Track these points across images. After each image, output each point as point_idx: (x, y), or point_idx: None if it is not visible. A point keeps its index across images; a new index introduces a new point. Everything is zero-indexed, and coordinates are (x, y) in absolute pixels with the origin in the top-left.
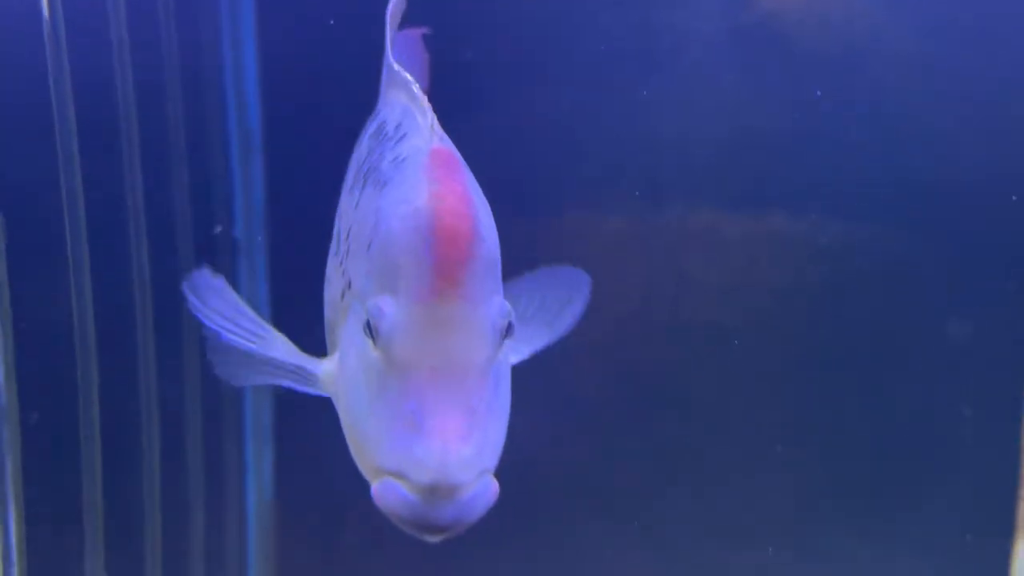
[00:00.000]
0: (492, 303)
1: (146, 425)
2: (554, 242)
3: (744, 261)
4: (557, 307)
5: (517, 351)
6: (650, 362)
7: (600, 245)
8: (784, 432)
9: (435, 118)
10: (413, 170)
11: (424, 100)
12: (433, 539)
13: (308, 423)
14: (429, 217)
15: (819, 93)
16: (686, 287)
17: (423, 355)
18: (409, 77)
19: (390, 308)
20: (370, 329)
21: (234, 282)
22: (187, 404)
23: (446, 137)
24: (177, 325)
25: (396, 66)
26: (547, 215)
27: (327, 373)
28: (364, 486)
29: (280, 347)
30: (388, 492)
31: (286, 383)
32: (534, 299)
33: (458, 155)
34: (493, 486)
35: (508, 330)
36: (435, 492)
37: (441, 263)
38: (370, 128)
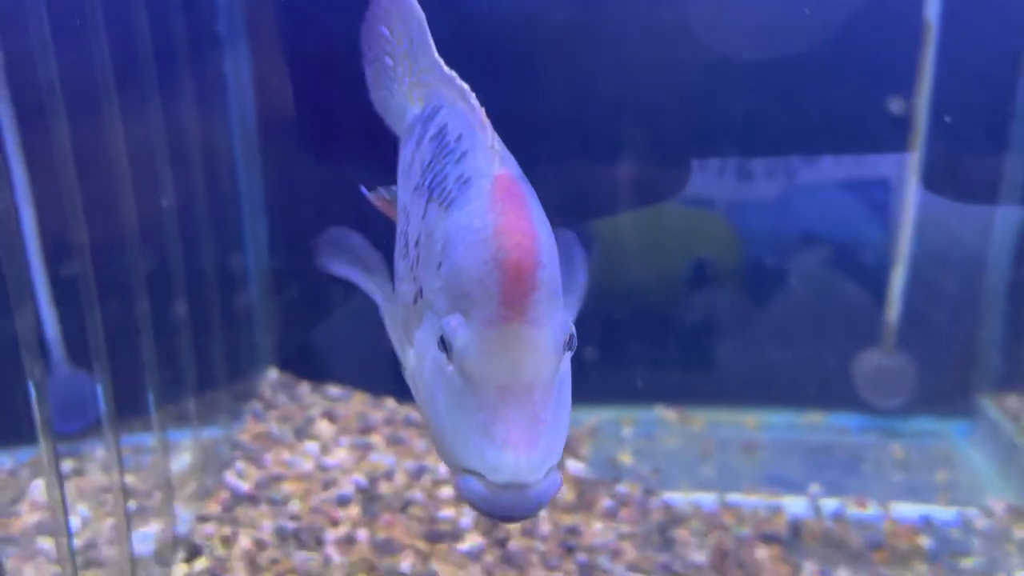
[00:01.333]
0: (555, 322)
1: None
2: None
3: None
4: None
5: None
6: None
7: None
8: None
9: (494, 133)
10: (478, 197)
11: (482, 113)
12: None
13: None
14: (496, 251)
15: None
16: None
17: (493, 374)
18: (466, 86)
19: (463, 330)
20: (445, 345)
21: None
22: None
23: (507, 156)
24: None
25: (450, 71)
26: None
27: (408, 364)
28: None
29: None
30: (469, 486)
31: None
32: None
33: (519, 177)
34: (557, 479)
35: (570, 342)
36: (508, 488)
37: (508, 295)
38: (430, 128)
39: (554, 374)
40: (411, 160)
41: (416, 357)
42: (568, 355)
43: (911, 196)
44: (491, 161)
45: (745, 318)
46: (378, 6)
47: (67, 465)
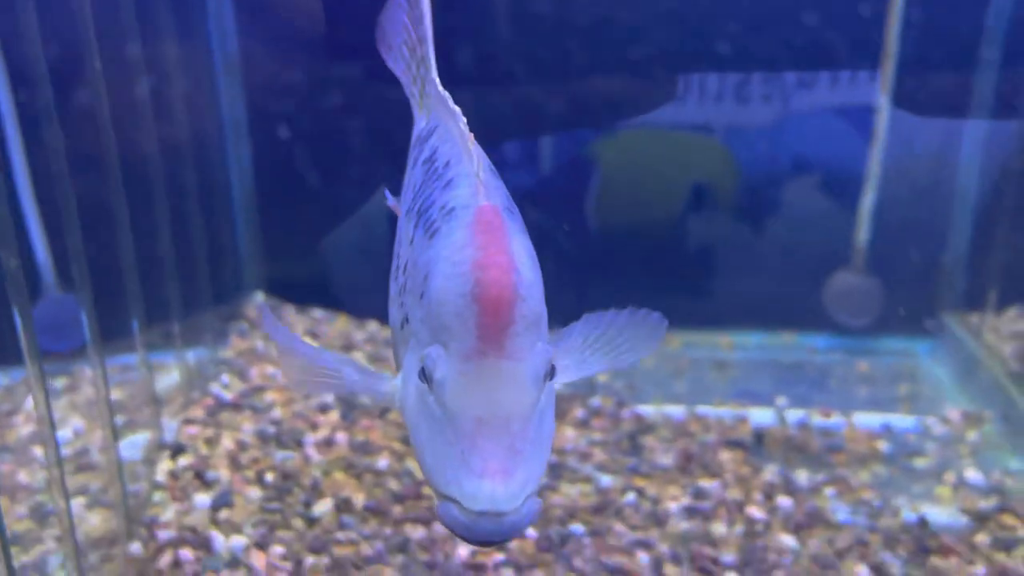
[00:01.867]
0: (534, 355)
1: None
2: None
3: None
4: (627, 347)
5: (567, 373)
6: None
7: None
8: None
9: (481, 160)
10: (460, 228)
11: (471, 140)
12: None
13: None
14: (473, 286)
15: None
16: None
17: (471, 406)
18: (457, 109)
19: (442, 362)
20: (425, 375)
21: None
22: None
23: (494, 184)
24: None
25: (444, 92)
26: None
27: (394, 388)
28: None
29: (350, 369)
30: (448, 512)
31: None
32: (608, 335)
33: (503, 207)
34: (534, 507)
35: (551, 372)
36: (484, 516)
37: (485, 329)
38: (424, 151)
39: (533, 405)
40: (407, 180)
41: (402, 381)
42: (550, 385)
43: (881, 120)
44: (475, 191)
45: (733, 243)
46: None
47: (60, 382)
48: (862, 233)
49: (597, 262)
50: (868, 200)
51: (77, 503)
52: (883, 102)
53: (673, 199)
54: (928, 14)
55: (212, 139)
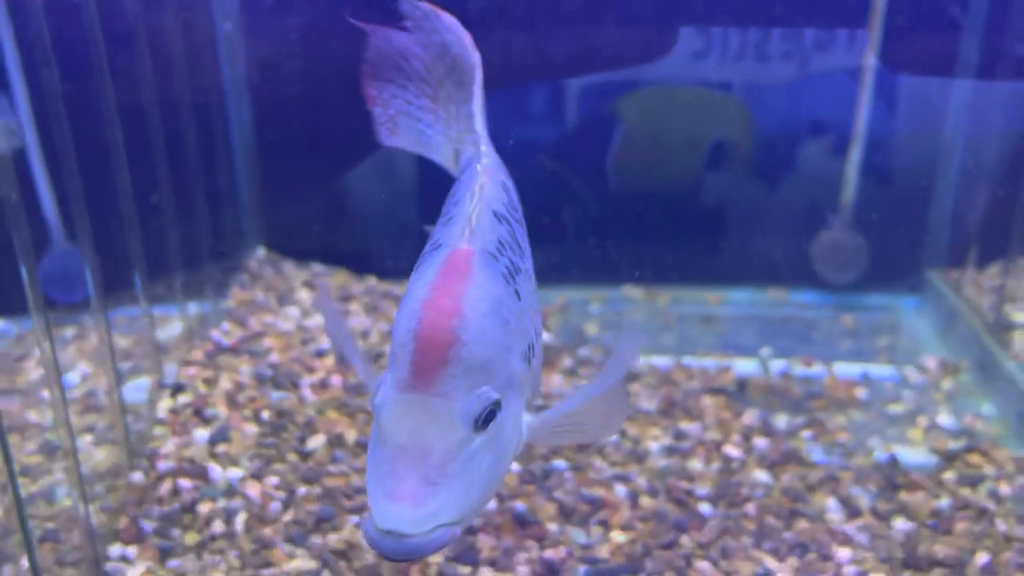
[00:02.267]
0: (470, 397)
1: None
2: None
3: None
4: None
5: (536, 436)
6: None
7: None
8: None
9: (481, 203)
10: (431, 268)
11: (483, 178)
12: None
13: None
14: (416, 323)
15: None
16: None
17: (395, 433)
18: (484, 148)
19: (384, 388)
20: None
21: None
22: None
23: (486, 226)
24: None
25: (481, 128)
26: None
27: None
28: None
29: (360, 360)
30: (364, 522)
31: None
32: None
33: (481, 252)
34: (444, 536)
35: (491, 415)
36: (388, 534)
37: (417, 366)
38: (456, 185)
39: (461, 443)
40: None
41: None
42: (496, 428)
43: (868, 77)
44: (462, 232)
45: (745, 201)
46: (427, 32)
47: (70, 331)
48: (848, 190)
49: (611, 217)
50: (854, 157)
51: (84, 440)
52: (869, 59)
53: (690, 156)
54: None
55: (213, 94)
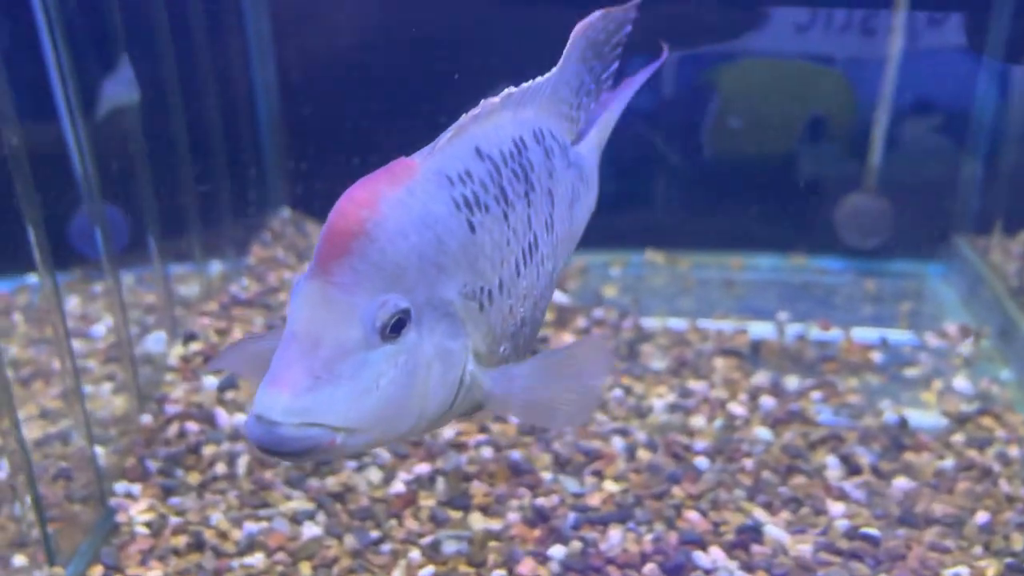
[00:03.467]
0: (374, 300)
1: None
2: None
3: None
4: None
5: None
6: None
7: None
8: None
9: (465, 134)
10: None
11: (497, 117)
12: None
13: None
14: (332, 212)
15: None
16: None
17: (292, 321)
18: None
19: (298, 277)
20: None
21: None
22: None
23: (455, 152)
24: None
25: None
26: None
27: None
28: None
29: None
30: (249, 412)
31: None
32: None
33: (431, 171)
34: (322, 438)
35: (399, 325)
36: (259, 420)
37: (322, 253)
38: None
39: (357, 345)
40: None
41: None
42: (403, 344)
43: (896, 45)
44: (423, 151)
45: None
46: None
47: (98, 287)
48: (875, 155)
49: (700, 185)
50: (881, 123)
51: (104, 387)
52: (896, 27)
53: (786, 130)
54: None
55: (236, 57)
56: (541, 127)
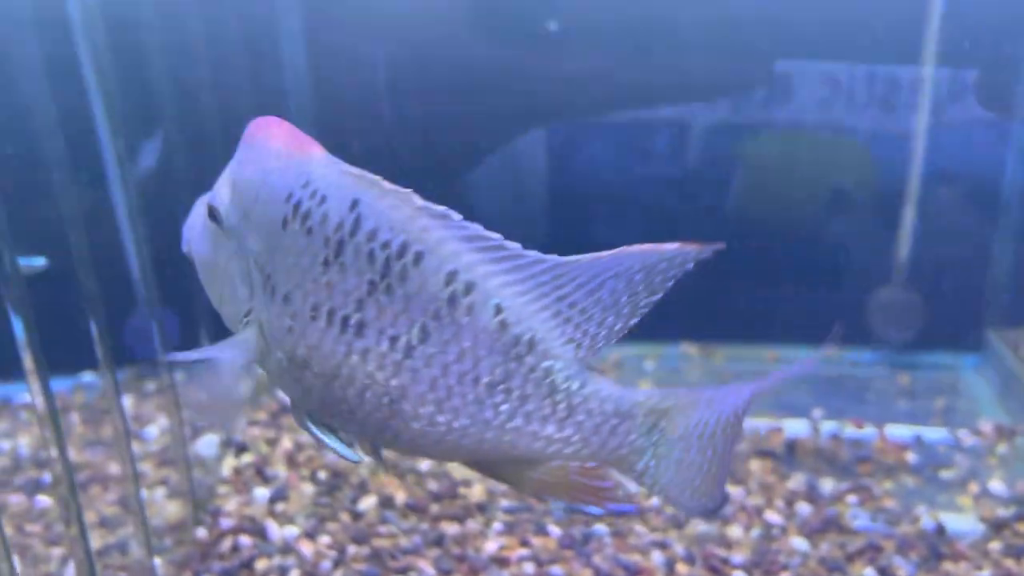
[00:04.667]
0: (221, 188)
1: None
2: None
3: None
4: None
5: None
6: None
7: None
8: None
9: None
10: None
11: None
12: None
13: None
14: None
15: None
16: None
17: None
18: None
19: None
20: None
21: None
22: None
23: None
24: None
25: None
26: None
27: None
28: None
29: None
30: None
31: None
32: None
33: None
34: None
35: (211, 215)
36: None
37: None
38: None
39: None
40: None
41: None
42: (210, 232)
43: (921, 135)
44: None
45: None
46: None
47: (151, 385)
48: (903, 248)
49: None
50: (908, 214)
51: (158, 493)
52: (921, 116)
53: (808, 203)
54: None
55: None
56: (506, 303)
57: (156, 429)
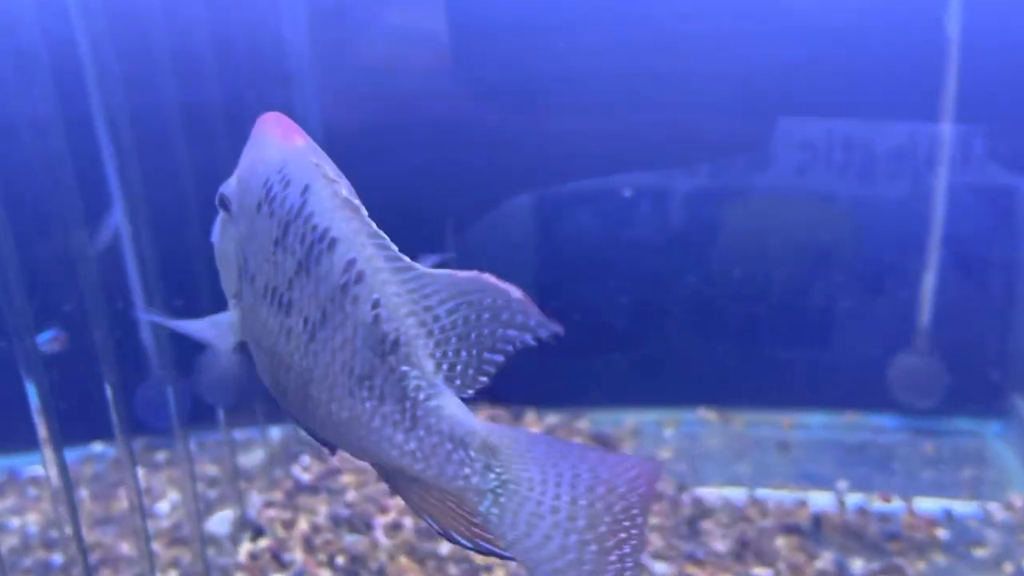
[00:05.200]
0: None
1: None
2: None
3: None
4: None
5: None
6: None
7: None
8: None
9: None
10: None
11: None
12: None
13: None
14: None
15: None
16: None
17: None
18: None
19: None
20: None
21: None
22: None
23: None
24: None
25: None
26: None
27: None
28: None
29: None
30: None
31: None
32: None
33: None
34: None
35: (221, 203)
36: None
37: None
38: None
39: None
40: None
41: None
42: (220, 221)
43: (940, 198)
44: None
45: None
46: None
47: (161, 456)
48: (925, 313)
49: (705, 319)
50: (930, 280)
51: (171, 575)
52: (940, 182)
53: (826, 267)
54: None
55: None
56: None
57: (167, 505)
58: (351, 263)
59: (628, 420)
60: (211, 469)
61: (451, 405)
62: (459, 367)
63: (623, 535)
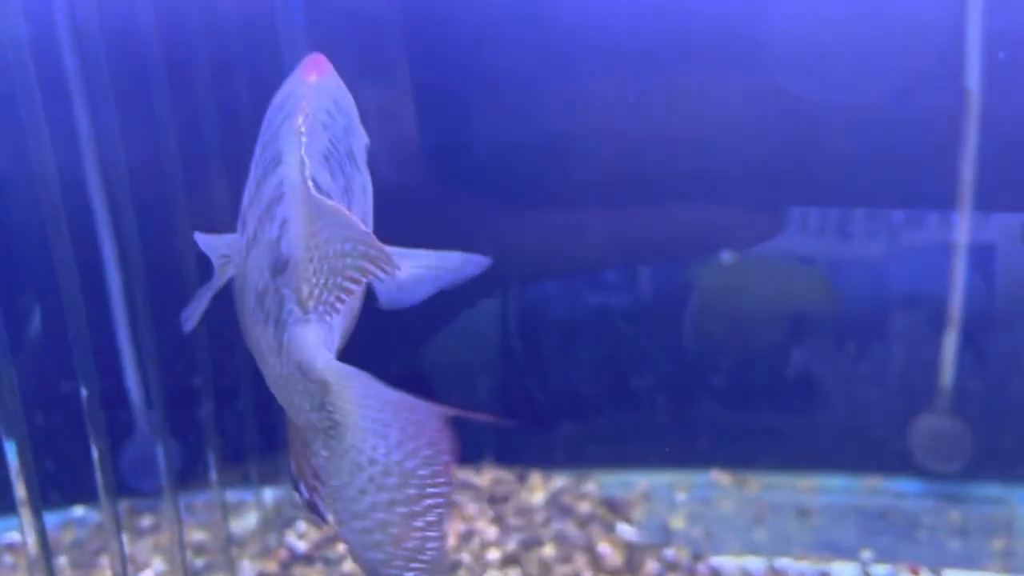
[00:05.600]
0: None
1: None
2: None
3: None
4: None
5: None
6: None
7: None
8: None
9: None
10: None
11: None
12: None
13: None
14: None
15: None
16: None
17: None
18: None
19: None
20: None
21: None
22: None
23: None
24: None
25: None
26: None
27: None
28: None
29: None
30: None
31: None
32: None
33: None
34: None
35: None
36: None
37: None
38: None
39: None
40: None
41: None
42: None
43: (960, 255)
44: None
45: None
46: None
47: (147, 520)
48: (947, 375)
49: (688, 386)
50: (951, 340)
51: None
52: (961, 237)
53: (769, 330)
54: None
55: None
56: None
57: (151, 575)
58: (280, 183)
59: (638, 482)
60: (200, 535)
61: (311, 334)
62: (324, 294)
63: (429, 501)
